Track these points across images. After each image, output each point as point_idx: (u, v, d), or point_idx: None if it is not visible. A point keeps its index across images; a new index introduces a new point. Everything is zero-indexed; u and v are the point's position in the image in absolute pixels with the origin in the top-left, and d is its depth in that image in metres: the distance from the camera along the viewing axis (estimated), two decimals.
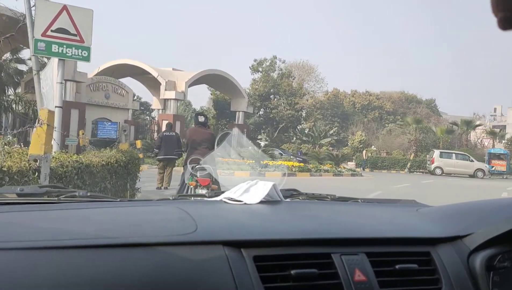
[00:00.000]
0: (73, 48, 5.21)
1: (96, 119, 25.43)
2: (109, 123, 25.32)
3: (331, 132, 34.07)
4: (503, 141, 38.95)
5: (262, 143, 35.16)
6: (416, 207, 1.46)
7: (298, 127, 37.55)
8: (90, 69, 28.13)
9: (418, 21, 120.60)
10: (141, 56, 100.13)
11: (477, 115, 50.52)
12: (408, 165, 29.85)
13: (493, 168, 29.85)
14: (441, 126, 36.25)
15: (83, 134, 15.08)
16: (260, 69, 38.09)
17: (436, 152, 28.01)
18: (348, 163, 23.32)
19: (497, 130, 39.93)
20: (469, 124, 35.33)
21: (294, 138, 35.56)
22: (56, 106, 5.36)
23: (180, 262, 0.88)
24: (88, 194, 1.36)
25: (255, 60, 38.39)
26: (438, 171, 27.12)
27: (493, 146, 36.09)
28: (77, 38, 5.24)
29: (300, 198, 1.57)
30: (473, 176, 26.83)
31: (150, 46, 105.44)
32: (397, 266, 1.03)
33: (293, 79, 38.78)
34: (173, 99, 28.33)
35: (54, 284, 0.78)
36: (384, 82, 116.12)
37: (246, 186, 1.35)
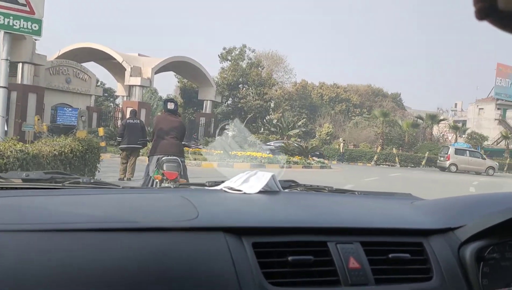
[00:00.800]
0: (22, 20, 4.51)
1: (56, 105, 24.21)
2: (70, 109, 24.12)
3: (299, 123, 33.86)
4: (463, 136, 40.01)
5: (230, 133, 34.67)
6: (411, 200, 1.51)
7: (266, 118, 37.19)
8: (50, 52, 26.77)
9: (384, 17, 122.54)
10: (106, 40, 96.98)
11: (440, 109, 51.76)
12: (375, 158, 30.07)
13: None
14: (407, 120, 36.79)
15: (38, 120, 14.10)
16: (229, 58, 37.40)
17: (451, 149, 27.58)
18: (315, 158, 23.10)
19: (459, 124, 40.98)
20: (434, 118, 36.01)
21: (262, 129, 35.19)
22: None
23: (183, 247, 0.91)
24: (92, 180, 1.40)
25: (224, 49, 37.69)
26: (453, 168, 26.65)
27: (456, 140, 36.96)
28: (27, 8, 4.56)
29: (298, 189, 1.61)
30: (484, 173, 26.80)
31: (115, 31, 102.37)
32: (390, 255, 1.06)
33: (263, 68, 38.31)
34: (138, 85, 27.32)
35: (61, 266, 0.80)
36: (351, 75, 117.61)
37: (245, 176, 1.37)
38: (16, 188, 1.25)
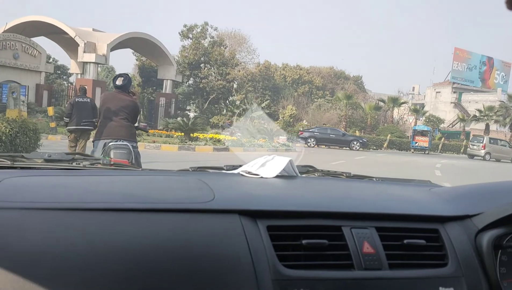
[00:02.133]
0: None
1: (1, 82, 22.40)
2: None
3: (263, 105, 33.23)
4: (421, 118, 40.75)
5: (192, 114, 33.63)
6: (430, 186, 1.49)
7: (229, 99, 36.30)
8: None
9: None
10: (57, 14, 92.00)
11: (401, 93, 52.48)
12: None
13: (416, 144, 30.95)
14: (370, 103, 36.91)
15: None
16: (191, 36, 36.07)
17: (486, 139, 28.83)
18: (280, 137, 22.65)
19: (418, 107, 41.64)
20: (395, 101, 36.29)
21: (225, 110, 34.35)
22: None
23: (199, 228, 0.93)
24: (112, 162, 1.42)
25: (185, 26, 36.26)
26: (488, 156, 27.88)
27: (416, 123, 37.54)
28: None
29: (316, 174, 1.60)
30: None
31: (68, 3, 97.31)
32: (405, 241, 1.06)
33: (225, 48, 37.22)
34: (92, 62, 25.77)
35: (82, 243, 0.82)
36: (314, 57, 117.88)
37: (263, 160, 1.37)
38: (39, 168, 1.27)
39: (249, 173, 1.35)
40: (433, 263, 1.06)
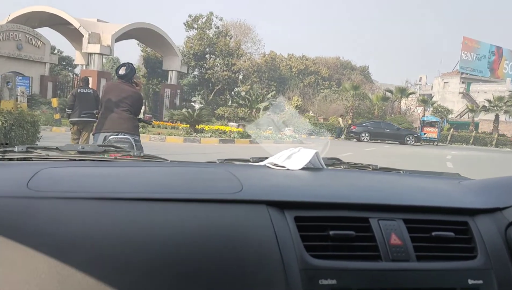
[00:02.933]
0: None
1: (5, 73, 22.21)
2: (20, 78, 22.16)
3: (269, 96, 32.82)
4: (428, 109, 40.20)
5: (197, 106, 33.35)
6: (459, 179, 1.48)
7: (234, 90, 35.95)
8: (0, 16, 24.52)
9: None
10: (62, 4, 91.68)
11: (409, 83, 51.83)
12: (345, 132, 29.55)
13: (425, 135, 30.47)
14: (377, 93, 36.39)
15: None
16: (195, 26, 35.62)
17: None
18: (286, 129, 22.35)
19: (427, 98, 41.08)
20: (403, 92, 35.76)
21: (230, 102, 34.03)
22: None
23: (227, 218, 0.94)
24: (142, 154, 1.44)
25: (190, 16, 35.79)
26: None
27: (424, 114, 37.04)
28: None
29: (342, 166, 1.60)
30: None
31: None
32: (433, 233, 1.05)
33: (231, 38, 36.77)
34: (97, 53, 25.51)
35: (115, 231, 0.86)
36: (320, 47, 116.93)
37: (289, 153, 1.38)
38: (72, 160, 1.31)
39: (275, 165, 1.36)
40: (462, 256, 1.05)
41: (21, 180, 0.98)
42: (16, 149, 1.31)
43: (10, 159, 1.27)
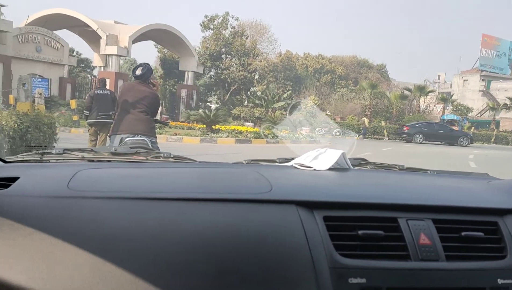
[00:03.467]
0: None
1: (21, 75, 22.52)
2: (39, 80, 22.46)
3: (285, 95, 32.61)
4: (448, 107, 39.49)
5: (213, 106, 33.37)
6: (488, 179, 1.46)
7: (250, 90, 35.85)
8: (18, 19, 24.88)
9: None
10: (79, 6, 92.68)
11: (427, 81, 51.03)
12: (362, 131, 29.19)
13: None
14: (395, 92, 35.89)
15: None
16: (211, 26, 35.66)
17: None
18: (303, 128, 22.16)
19: (446, 96, 40.37)
20: (422, 90, 35.19)
21: (246, 102, 33.95)
22: None
23: (258, 217, 0.97)
24: (172, 155, 1.45)
25: (206, 17, 35.86)
26: None
27: (444, 112, 36.40)
28: None
29: (369, 167, 1.60)
30: None
31: None
32: (462, 233, 1.05)
33: (246, 38, 36.70)
34: (115, 55, 25.71)
35: (151, 230, 0.89)
36: (336, 46, 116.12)
37: (315, 153, 1.38)
38: (107, 161, 1.34)
39: (302, 165, 1.36)
40: (491, 256, 1.04)
41: (62, 180, 1.02)
42: (53, 151, 1.37)
43: (48, 161, 1.31)
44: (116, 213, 0.92)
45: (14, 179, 1.03)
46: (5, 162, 1.25)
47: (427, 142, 25.81)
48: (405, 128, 26.73)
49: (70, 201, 0.94)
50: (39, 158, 1.31)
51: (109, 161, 1.35)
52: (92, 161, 1.33)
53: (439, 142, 26.23)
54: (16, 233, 0.85)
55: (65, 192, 0.97)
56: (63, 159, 1.33)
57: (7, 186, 0.98)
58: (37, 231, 0.86)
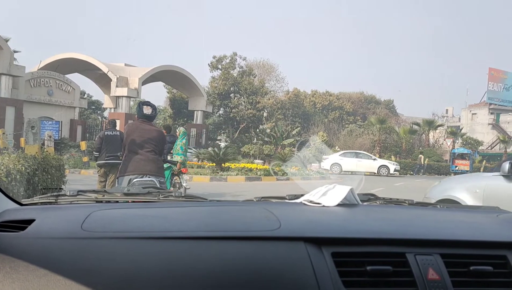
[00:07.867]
0: None
1: (29, 118, 22.88)
2: (50, 122, 22.76)
3: (293, 132, 32.71)
4: (457, 141, 39.20)
5: (222, 144, 33.47)
6: (498, 213, 1.46)
7: (259, 128, 36.00)
8: (31, 63, 25.54)
9: (371, 22, 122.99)
10: (90, 50, 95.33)
11: (436, 115, 50.98)
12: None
13: (457, 168, 29.53)
14: (404, 127, 35.82)
15: (3, 133, 12.74)
16: (220, 67, 36.27)
17: None
18: (313, 165, 22.08)
19: (455, 130, 40.18)
20: (431, 124, 35.09)
21: (255, 139, 34.02)
22: None
23: (267, 254, 0.98)
24: (183, 194, 1.47)
25: (214, 57, 36.56)
26: None
27: (454, 146, 36.11)
28: None
29: (378, 202, 1.59)
30: None
31: (100, 41, 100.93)
32: (471, 268, 1.03)
33: (254, 77, 37.22)
34: (125, 96, 26.11)
35: (165, 269, 0.91)
36: (343, 82, 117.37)
37: (324, 189, 1.38)
38: (120, 201, 1.38)
39: (311, 202, 1.36)
40: None
41: (76, 222, 1.04)
42: (68, 193, 1.38)
43: (63, 203, 1.33)
44: (129, 253, 0.94)
45: (30, 221, 1.04)
46: (21, 204, 1.27)
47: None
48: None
49: (84, 241, 0.96)
50: (54, 200, 1.33)
51: (122, 201, 1.38)
52: (106, 202, 1.35)
53: None
54: (31, 274, 0.87)
55: (79, 233, 0.98)
56: (77, 201, 1.34)
57: (23, 229, 1.01)
58: (51, 273, 0.87)
